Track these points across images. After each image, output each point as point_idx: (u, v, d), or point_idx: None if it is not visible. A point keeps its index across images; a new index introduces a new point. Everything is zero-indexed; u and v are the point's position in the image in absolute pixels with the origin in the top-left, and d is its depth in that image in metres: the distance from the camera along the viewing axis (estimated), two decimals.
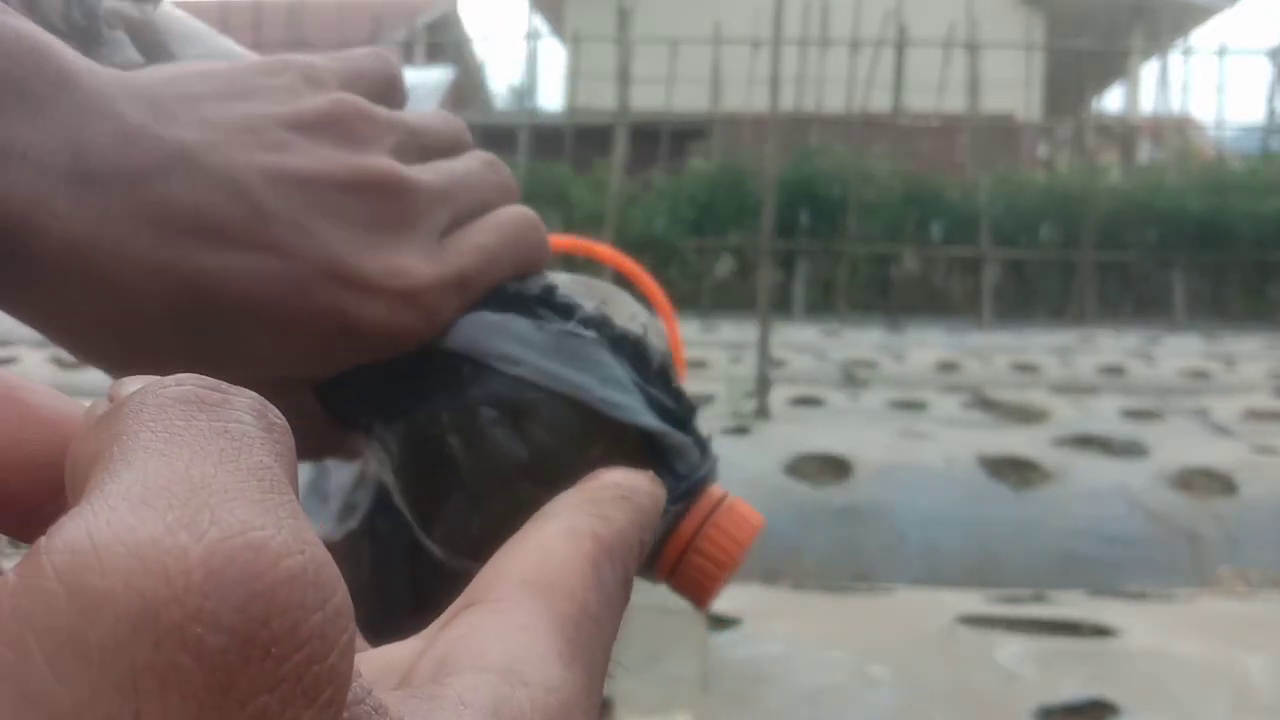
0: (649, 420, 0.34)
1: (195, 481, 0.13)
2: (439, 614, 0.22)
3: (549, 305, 0.35)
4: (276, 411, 0.15)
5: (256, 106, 0.32)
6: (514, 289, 0.35)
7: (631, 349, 0.35)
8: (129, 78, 0.30)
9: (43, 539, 0.12)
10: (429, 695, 0.16)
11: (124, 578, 0.11)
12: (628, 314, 0.36)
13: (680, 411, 0.35)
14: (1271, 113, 9.46)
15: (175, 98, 0.30)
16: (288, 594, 0.12)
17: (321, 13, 11.22)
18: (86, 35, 0.34)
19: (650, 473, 0.25)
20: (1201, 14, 12.65)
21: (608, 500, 0.22)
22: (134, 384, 0.15)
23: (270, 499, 0.13)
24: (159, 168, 0.29)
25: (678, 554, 0.35)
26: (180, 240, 0.29)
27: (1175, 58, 11.10)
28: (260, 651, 0.12)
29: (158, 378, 0.15)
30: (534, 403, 0.33)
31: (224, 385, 0.15)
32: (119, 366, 0.32)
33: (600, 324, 0.35)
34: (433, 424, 0.34)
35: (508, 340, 0.34)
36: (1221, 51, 9.75)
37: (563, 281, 0.37)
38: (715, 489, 0.36)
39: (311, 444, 0.38)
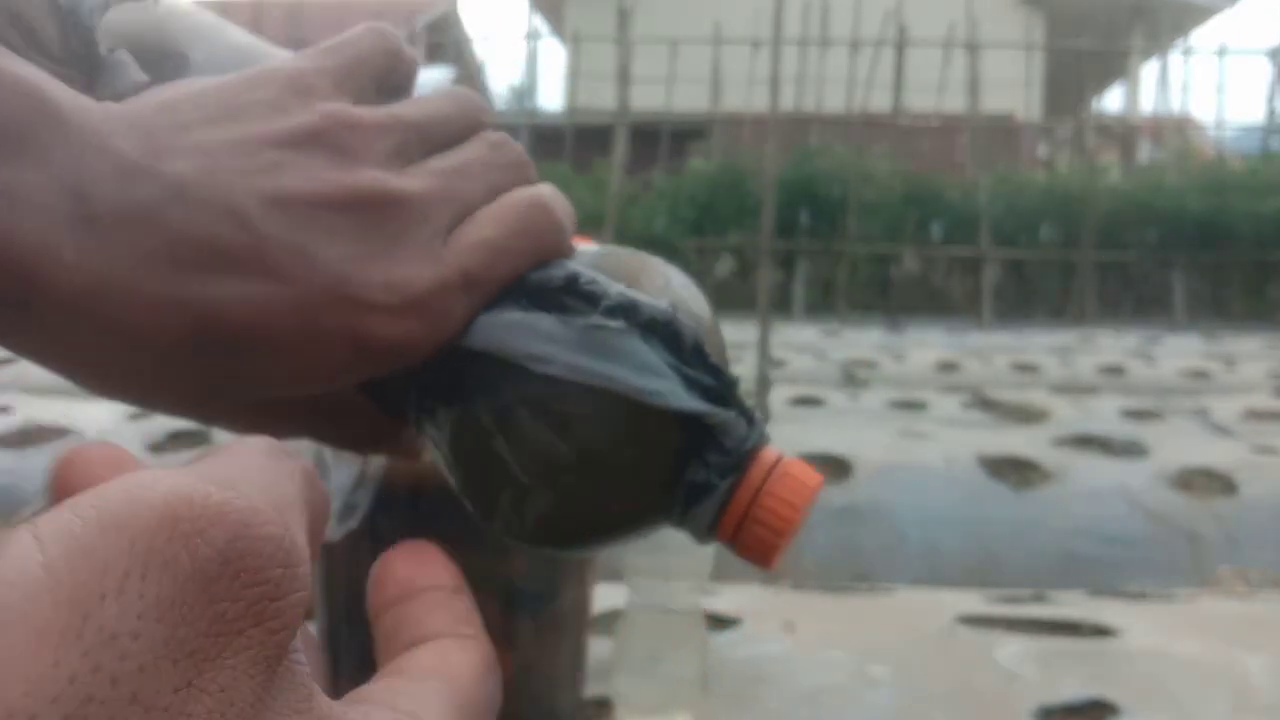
0: (690, 403, 0.34)
1: (231, 477, 0.20)
2: None
3: (575, 294, 0.34)
4: (321, 483, 0.23)
5: (246, 127, 0.32)
6: (536, 280, 0.35)
7: (663, 331, 0.34)
8: (123, 111, 0.30)
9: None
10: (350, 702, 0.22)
11: (165, 497, 0.17)
12: (660, 285, 0.35)
13: (721, 387, 0.35)
14: (1271, 113, 9.46)
15: (169, 128, 0.30)
16: (263, 547, 0.17)
17: (321, 13, 11.22)
18: (86, 63, 0.34)
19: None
20: (1201, 14, 12.65)
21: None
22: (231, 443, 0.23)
23: (281, 511, 0.20)
24: (159, 203, 0.29)
25: (736, 524, 0.35)
26: (187, 274, 0.30)
27: (1175, 58, 11.11)
28: (233, 571, 0.17)
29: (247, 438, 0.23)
30: (571, 400, 0.33)
31: (290, 450, 0.22)
32: (134, 399, 0.33)
33: (628, 310, 0.34)
34: (477, 425, 0.34)
35: (535, 339, 0.34)
36: (1221, 51, 9.75)
37: (589, 258, 0.36)
38: (768, 453, 0.36)
39: (363, 434, 0.39)
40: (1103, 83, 12.88)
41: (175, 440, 2.28)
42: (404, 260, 0.32)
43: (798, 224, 8.72)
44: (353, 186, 0.32)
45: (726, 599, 1.16)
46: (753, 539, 0.35)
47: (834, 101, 9.50)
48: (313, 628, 0.53)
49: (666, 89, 9.49)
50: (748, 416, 0.36)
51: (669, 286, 0.36)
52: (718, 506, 0.35)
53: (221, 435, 0.34)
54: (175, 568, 0.16)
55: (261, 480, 0.21)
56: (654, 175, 9.50)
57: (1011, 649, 1.07)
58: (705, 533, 0.35)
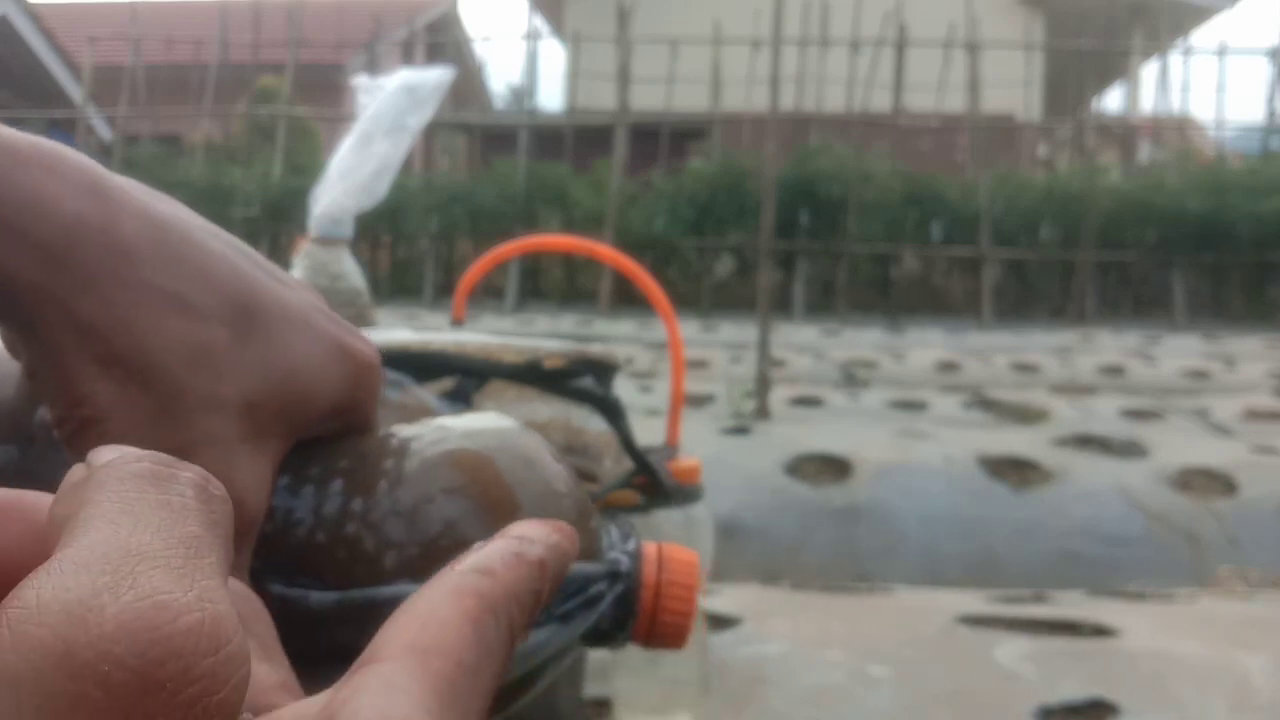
0: (568, 633, 0.36)
1: (131, 549, 0.16)
2: None
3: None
4: (217, 483, 0.19)
5: None
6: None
7: None
8: None
9: (9, 595, 0.16)
10: None
11: (53, 628, 0.15)
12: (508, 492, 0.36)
13: (580, 583, 0.36)
14: (1271, 113, 9.46)
15: None
16: (183, 642, 0.15)
17: (321, 13, 11.21)
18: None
19: (560, 523, 0.27)
20: (1201, 14, 12.64)
21: (499, 557, 0.24)
22: (107, 454, 0.19)
23: (191, 564, 0.17)
24: None
25: (649, 621, 0.37)
26: None
27: (1175, 58, 11.11)
28: (156, 686, 0.15)
29: (126, 451, 0.19)
30: None
31: (175, 462, 0.19)
32: None
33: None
34: None
35: None
36: (1221, 51, 9.75)
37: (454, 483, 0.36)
38: (647, 547, 0.37)
39: None
40: (1103, 83, 12.88)
41: None
42: None
43: (798, 224, 8.72)
44: None
45: (726, 599, 1.16)
46: (667, 627, 0.37)
47: (834, 101, 9.50)
48: None
49: (666, 89, 9.49)
50: (614, 525, 0.38)
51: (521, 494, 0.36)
52: (621, 611, 0.36)
53: None
54: (89, 709, 0.14)
55: (152, 530, 0.17)
56: (654, 175, 9.50)
57: (1011, 649, 1.07)
58: (616, 632, 0.37)
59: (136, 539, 0.17)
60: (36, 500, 0.20)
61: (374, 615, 0.30)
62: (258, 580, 0.33)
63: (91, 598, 0.15)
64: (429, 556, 0.33)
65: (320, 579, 0.33)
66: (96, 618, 0.15)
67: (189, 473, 0.19)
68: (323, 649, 0.30)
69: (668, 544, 0.37)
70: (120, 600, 0.15)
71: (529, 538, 0.26)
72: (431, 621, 0.22)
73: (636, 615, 0.36)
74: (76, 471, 0.19)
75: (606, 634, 0.37)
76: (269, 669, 0.23)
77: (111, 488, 0.18)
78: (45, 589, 0.15)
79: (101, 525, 0.17)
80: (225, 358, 0.32)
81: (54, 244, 0.29)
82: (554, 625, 0.35)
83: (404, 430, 0.36)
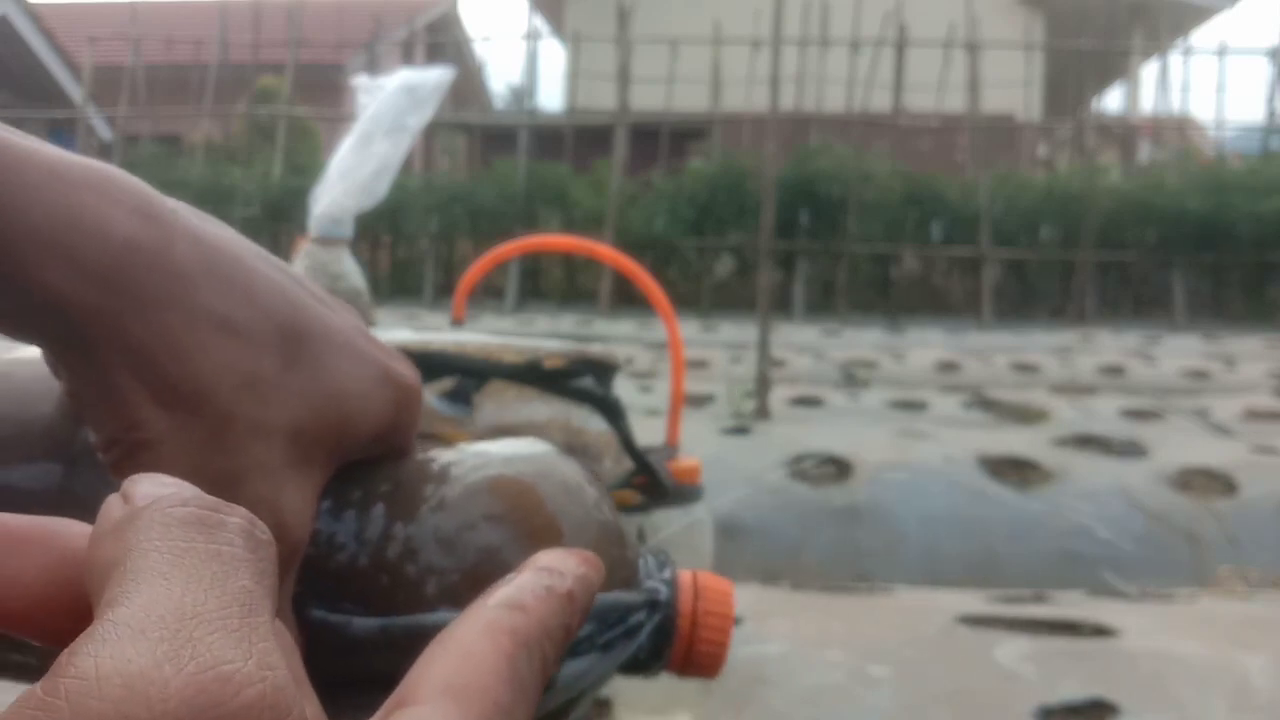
0: (610, 663, 0.36)
1: (186, 611, 0.16)
2: None
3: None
4: (264, 527, 0.19)
5: None
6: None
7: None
8: None
9: (62, 657, 0.15)
10: None
11: (115, 704, 0.15)
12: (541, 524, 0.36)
13: (626, 573, 0.37)
14: (1271, 113, 9.46)
15: None
16: (245, 718, 0.15)
17: (321, 13, 11.21)
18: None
19: (586, 553, 0.28)
20: (1201, 14, 12.65)
21: (530, 591, 0.25)
22: (146, 484, 0.19)
23: (246, 625, 0.16)
24: None
25: (685, 649, 0.37)
26: None
27: (1175, 58, 11.11)
28: None
29: (167, 485, 0.19)
30: None
31: (221, 505, 0.18)
32: None
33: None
34: None
35: None
36: (1221, 51, 9.75)
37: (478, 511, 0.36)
38: (683, 576, 0.38)
39: None
40: (1103, 83, 12.88)
41: None
42: None
43: (798, 224, 8.72)
44: None
45: None
46: (704, 656, 0.37)
47: (834, 101, 9.50)
48: None
49: (666, 89, 9.49)
50: (650, 553, 0.38)
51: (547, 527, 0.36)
52: (658, 641, 0.37)
53: None
54: None
55: (205, 586, 0.17)
56: (654, 175, 9.50)
57: (1011, 649, 1.07)
58: (655, 672, 0.38)
59: (191, 598, 0.16)
60: (68, 529, 0.20)
61: (416, 643, 0.30)
62: (300, 605, 0.33)
63: (153, 669, 0.15)
64: (471, 583, 0.33)
65: (363, 605, 0.33)
66: (160, 692, 0.15)
67: (236, 518, 0.18)
68: (364, 675, 0.30)
69: (702, 572, 0.38)
70: (183, 673, 0.15)
71: (558, 570, 0.26)
72: (467, 660, 0.22)
73: (673, 644, 0.37)
74: (114, 507, 0.19)
75: (643, 663, 0.37)
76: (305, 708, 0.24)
77: (158, 534, 0.18)
78: (104, 658, 0.15)
79: (153, 580, 0.17)
80: (274, 384, 0.32)
81: (107, 267, 0.29)
82: (595, 655, 0.35)
83: (444, 454, 0.36)
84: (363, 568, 0.34)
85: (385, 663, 0.32)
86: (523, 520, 0.35)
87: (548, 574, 0.26)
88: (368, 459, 0.35)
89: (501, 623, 0.23)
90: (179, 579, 0.17)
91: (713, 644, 0.37)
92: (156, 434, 0.30)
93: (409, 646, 0.30)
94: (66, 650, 0.15)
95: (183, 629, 0.16)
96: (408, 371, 0.36)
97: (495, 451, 0.37)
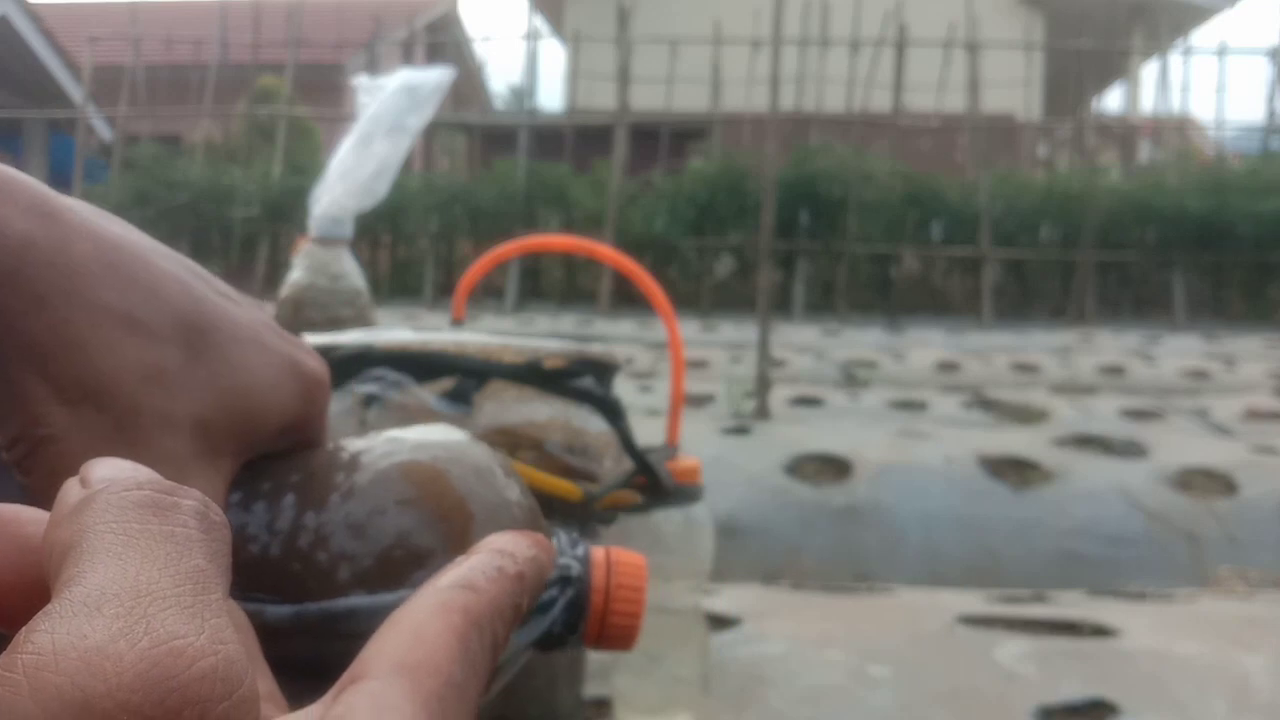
0: (526, 637, 0.36)
1: (141, 588, 0.17)
2: None
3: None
4: (217, 509, 0.19)
5: None
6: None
7: None
8: None
9: (20, 635, 0.16)
10: None
11: (71, 677, 0.15)
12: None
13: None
14: (1271, 113, 9.46)
15: None
16: (198, 689, 0.16)
17: (321, 13, 11.21)
18: None
19: (536, 535, 0.28)
20: (1201, 14, 12.64)
21: (481, 571, 0.25)
22: (101, 468, 0.19)
23: (199, 601, 0.17)
24: None
25: (599, 623, 0.37)
26: None
27: (1175, 58, 11.11)
28: None
29: (123, 469, 0.19)
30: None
31: (175, 489, 0.19)
32: None
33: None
34: None
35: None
36: (1221, 51, 9.75)
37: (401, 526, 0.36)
38: (595, 552, 0.38)
39: None
40: (1103, 83, 12.88)
41: None
42: None
43: (798, 224, 8.72)
44: None
45: (726, 599, 1.16)
46: (618, 629, 0.37)
47: (834, 101, 9.50)
48: None
49: (666, 89, 9.49)
50: (563, 533, 0.38)
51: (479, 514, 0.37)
52: (575, 614, 0.37)
53: None
54: None
55: (159, 565, 0.17)
56: (654, 175, 9.50)
57: (1011, 649, 1.07)
58: (568, 635, 0.38)
59: (145, 577, 0.17)
60: (23, 515, 0.20)
61: (330, 628, 0.30)
62: None
63: (108, 644, 0.15)
64: (383, 568, 0.33)
65: (275, 593, 0.34)
66: (114, 666, 0.15)
67: (190, 500, 0.19)
68: (279, 662, 0.31)
69: (616, 548, 0.38)
70: (136, 647, 0.15)
71: (509, 552, 0.26)
72: (420, 638, 0.22)
73: (587, 619, 0.37)
74: (70, 491, 0.19)
75: (558, 638, 0.37)
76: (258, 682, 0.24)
77: (114, 517, 0.18)
78: (60, 634, 0.16)
79: (109, 560, 0.17)
80: (178, 376, 0.32)
81: (3, 266, 0.29)
82: None
83: (354, 443, 0.37)
84: (275, 557, 0.34)
85: (300, 648, 0.32)
86: (433, 504, 0.35)
87: (499, 555, 0.26)
88: (279, 452, 0.35)
89: (454, 602, 0.24)
90: (134, 559, 0.17)
91: (626, 616, 0.37)
92: (60, 430, 0.30)
93: (323, 632, 0.30)
94: (24, 628, 0.16)
95: (137, 606, 0.16)
96: (315, 364, 0.36)
97: (406, 438, 0.37)
